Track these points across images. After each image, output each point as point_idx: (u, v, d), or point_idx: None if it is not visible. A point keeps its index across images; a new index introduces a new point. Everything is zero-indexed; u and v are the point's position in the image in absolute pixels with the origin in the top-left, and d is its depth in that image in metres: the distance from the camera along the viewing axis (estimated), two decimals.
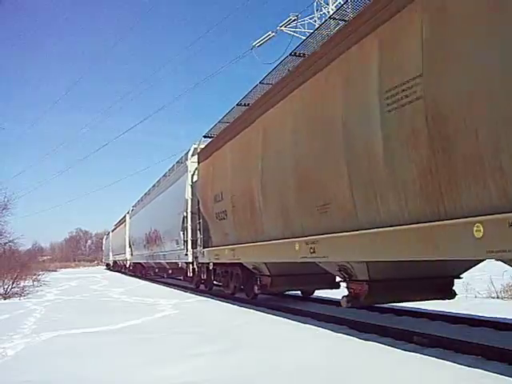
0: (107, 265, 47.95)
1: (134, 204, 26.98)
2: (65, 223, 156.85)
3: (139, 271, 25.72)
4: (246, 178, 8.21)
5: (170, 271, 18.33)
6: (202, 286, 13.67)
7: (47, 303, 11.87)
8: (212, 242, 10.56)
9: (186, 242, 12.80)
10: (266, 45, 25.41)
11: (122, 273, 32.43)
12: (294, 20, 24.13)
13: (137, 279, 24.20)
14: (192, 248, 12.36)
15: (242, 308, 9.19)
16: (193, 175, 12.65)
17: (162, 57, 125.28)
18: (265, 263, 8.32)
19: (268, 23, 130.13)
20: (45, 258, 49.53)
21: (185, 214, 12.95)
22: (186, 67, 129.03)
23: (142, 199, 23.89)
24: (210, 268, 11.35)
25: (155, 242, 18.49)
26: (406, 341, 5.20)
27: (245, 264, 9.15)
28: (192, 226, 12.43)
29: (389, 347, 4.93)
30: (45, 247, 74.14)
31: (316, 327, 6.41)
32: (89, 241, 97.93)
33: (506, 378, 3.66)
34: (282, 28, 24.65)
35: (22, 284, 15.71)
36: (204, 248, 11.18)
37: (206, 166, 10.89)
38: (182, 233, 13.30)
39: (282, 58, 7.43)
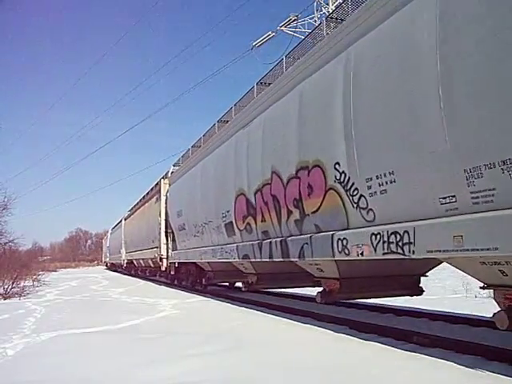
0: (112, 265, 39.71)
1: (176, 161, 15.54)
2: (65, 223, 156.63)
3: (190, 279, 13.89)
4: None
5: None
6: None
7: (47, 303, 11.87)
8: None
9: None
10: (266, 45, 25.38)
11: (147, 279, 22.42)
12: (294, 20, 24.06)
13: (137, 279, 24.14)
14: None
15: (242, 308, 9.19)
16: None
17: (162, 56, 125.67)
18: None
19: (268, 23, 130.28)
20: (45, 257, 49.42)
21: None
22: (185, 67, 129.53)
23: (211, 132, 11.29)
24: None
25: (289, 209, 6.48)
26: (405, 341, 5.20)
27: None
28: None
29: (389, 347, 4.93)
30: (45, 247, 74.15)
31: (316, 327, 6.41)
32: (89, 241, 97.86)
33: (506, 378, 3.66)
34: (282, 28, 24.58)
35: (22, 284, 15.70)
36: None
37: None
38: None
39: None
